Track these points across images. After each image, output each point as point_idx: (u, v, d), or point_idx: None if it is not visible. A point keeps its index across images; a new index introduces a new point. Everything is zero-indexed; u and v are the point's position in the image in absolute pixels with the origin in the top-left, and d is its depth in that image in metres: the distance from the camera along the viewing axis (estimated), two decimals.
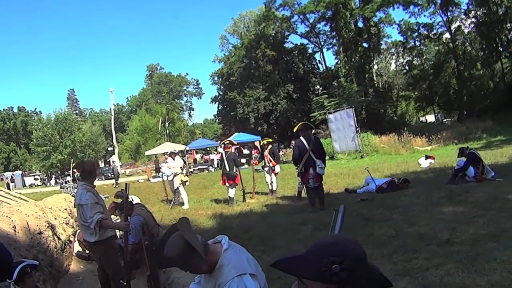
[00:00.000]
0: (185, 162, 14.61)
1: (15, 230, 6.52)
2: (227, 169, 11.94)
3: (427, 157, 16.19)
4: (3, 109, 79.88)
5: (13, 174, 48.21)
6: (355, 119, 24.20)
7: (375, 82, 44.76)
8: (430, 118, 58.44)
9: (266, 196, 13.10)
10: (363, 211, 7.67)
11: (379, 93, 43.83)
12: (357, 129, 24.10)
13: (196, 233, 2.67)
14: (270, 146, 13.43)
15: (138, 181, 30.55)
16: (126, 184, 5.56)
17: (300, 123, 9.90)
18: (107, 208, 5.88)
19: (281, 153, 23.08)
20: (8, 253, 2.13)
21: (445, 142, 25.77)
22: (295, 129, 9.74)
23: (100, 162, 61.66)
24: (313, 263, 1.55)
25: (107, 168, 45.51)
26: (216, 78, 58.58)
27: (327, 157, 9.59)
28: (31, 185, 48.62)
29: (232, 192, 12.08)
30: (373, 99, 39.93)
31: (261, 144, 14.15)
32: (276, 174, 13.27)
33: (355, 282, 1.54)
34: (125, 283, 5.32)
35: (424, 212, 6.56)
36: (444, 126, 37.03)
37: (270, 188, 13.38)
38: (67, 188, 25.69)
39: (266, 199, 12.55)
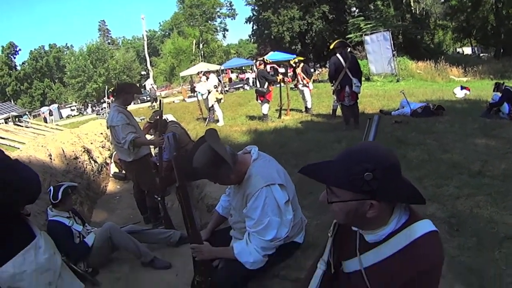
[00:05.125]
0: (220, 81, 14.42)
1: (51, 158, 6.73)
2: (258, 86, 11.96)
3: (462, 88, 15.86)
4: (34, 48, 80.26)
5: (50, 108, 49.11)
6: (392, 42, 23.42)
7: (412, 8, 42.80)
8: (467, 50, 56.09)
9: (300, 114, 13.05)
10: (397, 133, 7.50)
11: (416, 19, 41.85)
12: (394, 52, 23.37)
13: (225, 144, 2.64)
14: (302, 64, 13.30)
15: (173, 102, 30.69)
16: (160, 100, 5.56)
17: (337, 40, 9.58)
18: (142, 128, 5.92)
19: (316, 72, 22.69)
20: (36, 173, 2.16)
21: (481, 76, 24.83)
22: (331, 46, 9.39)
23: None
24: (343, 170, 1.47)
25: (142, 92, 45.68)
26: None
27: (362, 79, 9.37)
28: (68, 116, 49.63)
29: (265, 109, 12.10)
30: (410, 24, 38.34)
31: (293, 62, 13.91)
32: (310, 91, 13.19)
33: (387, 193, 1.46)
34: (160, 199, 5.49)
35: (458, 141, 6.40)
36: (481, 60, 35.41)
37: (305, 105, 13.34)
38: (103, 114, 26.23)
39: (301, 116, 12.49)
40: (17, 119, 32.45)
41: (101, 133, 10.21)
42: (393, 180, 1.47)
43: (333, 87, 9.36)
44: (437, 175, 4.61)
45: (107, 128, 5.54)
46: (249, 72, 42.67)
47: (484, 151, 5.69)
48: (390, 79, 23.49)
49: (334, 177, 1.52)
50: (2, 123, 28.11)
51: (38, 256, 2.06)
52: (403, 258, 1.52)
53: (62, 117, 48.30)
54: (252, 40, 62.34)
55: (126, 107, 5.43)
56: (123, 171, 8.82)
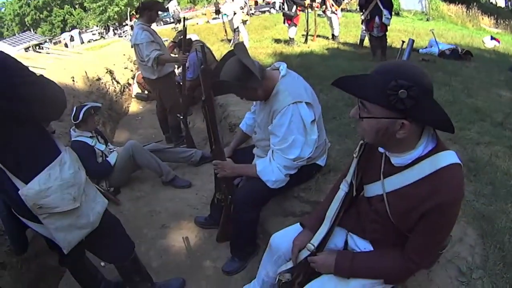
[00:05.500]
0: (245, 3, 14.04)
1: (73, 80, 6.74)
2: (286, 9, 11.65)
3: (492, 38, 15.10)
4: None
5: (71, 34, 48.67)
6: None
7: None
8: (501, 2, 53.79)
9: (327, 41, 12.75)
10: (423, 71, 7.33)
11: None
12: None
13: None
14: None
15: (197, 23, 30.22)
16: (183, 17, 5.44)
17: None
18: (166, 47, 5.86)
19: (345, 0, 21.97)
20: (62, 89, 2.14)
21: None
22: None
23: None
24: (379, 84, 1.42)
25: (165, 14, 44.87)
26: None
27: (392, 13, 9.13)
28: (89, 41, 49.27)
29: (292, 32, 11.83)
30: None
31: None
32: (338, 18, 12.81)
33: (419, 115, 1.42)
34: (182, 117, 5.53)
35: (482, 89, 6.20)
36: None
37: (332, 32, 13.03)
38: (125, 36, 26.02)
39: (327, 43, 12.21)
40: (37, 47, 32.28)
41: (124, 54, 10.18)
42: (426, 101, 1.43)
43: (362, 17, 9.16)
44: (460, 117, 4.52)
45: (131, 47, 5.48)
46: None
47: (508, 104, 5.57)
48: (420, 17, 22.81)
49: (368, 91, 1.47)
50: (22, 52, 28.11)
51: (63, 171, 2.07)
52: (426, 186, 1.53)
53: (83, 42, 47.90)
54: None
55: (150, 25, 5.34)
56: (146, 92, 8.89)
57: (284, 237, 2.23)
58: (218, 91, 2.61)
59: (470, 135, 3.79)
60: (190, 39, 7.25)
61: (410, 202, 1.59)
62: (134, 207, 4.41)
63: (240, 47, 2.54)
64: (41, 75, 2.02)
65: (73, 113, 4.27)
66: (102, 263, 3.23)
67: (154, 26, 5.51)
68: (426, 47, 10.84)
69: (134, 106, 8.85)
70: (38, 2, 69.65)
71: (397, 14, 22.69)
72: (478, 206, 2.51)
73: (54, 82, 2.08)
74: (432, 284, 2.03)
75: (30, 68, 1.95)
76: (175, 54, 6.60)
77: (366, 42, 10.19)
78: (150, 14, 5.25)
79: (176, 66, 5.79)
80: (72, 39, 43.78)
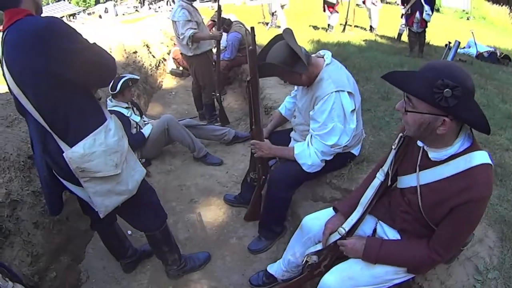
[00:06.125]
0: None
1: (110, 51, 6.82)
2: None
3: None
4: None
5: (105, 6, 48.72)
6: None
7: None
8: None
9: (365, 32, 12.70)
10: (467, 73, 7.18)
11: None
12: None
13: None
14: None
15: (234, 4, 30.09)
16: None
17: None
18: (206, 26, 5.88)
19: None
20: (113, 58, 2.20)
21: None
22: None
23: None
24: (426, 81, 1.51)
25: None
26: None
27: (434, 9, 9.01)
28: (123, 14, 49.36)
29: (333, 20, 11.86)
30: None
31: None
32: (377, 10, 12.73)
33: (461, 113, 1.51)
34: (217, 94, 5.61)
35: None
36: None
37: (370, 24, 12.96)
38: (160, 11, 26.07)
39: (365, 34, 12.12)
40: (71, 17, 32.44)
41: (160, 29, 10.23)
42: (468, 102, 1.51)
43: (403, 10, 9.12)
44: (492, 122, 4.43)
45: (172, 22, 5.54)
46: None
47: None
48: (461, 16, 22.25)
49: (415, 87, 1.57)
50: None
51: (107, 138, 2.13)
52: (458, 182, 1.62)
53: (117, 15, 48.00)
54: None
55: (191, 3, 5.37)
56: (181, 68, 8.94)
57: (316, 220, 2.31)
58: (263, 73, 2.66)
59: (500, 141, 3.76)
60: (229, 19, 7.31)
61: (441, 195, 1.68)
62: (164, 179, 4.51)
63: (288, 32, 2.60)
64: (94, 43, 2.08)
65: (111, 84, 4.32)
66: (129, 232, 3.35)
67: (196, 3, 5.51)
68: (464, 47, 10.67)
69: (168, 82, 8.90)
70: None
71: (437, 10, 22.13)
72: (501, 210, 2.53)
73: (105, 50, 2.14)
74: (450, 279, 2.09)
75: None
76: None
77: (404, 36, 10.14)
78: None
79: (213, 45, 5.80)
80: (106, 11, 43.78)
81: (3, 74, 2.07)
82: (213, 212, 3.89)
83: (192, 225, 3.73)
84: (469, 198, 1.59)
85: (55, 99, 2.00)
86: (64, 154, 2.04)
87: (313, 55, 2.75)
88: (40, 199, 2.92)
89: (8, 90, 2.08)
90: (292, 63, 2.52)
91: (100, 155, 2.09)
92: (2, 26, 2.04)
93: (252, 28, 2.60)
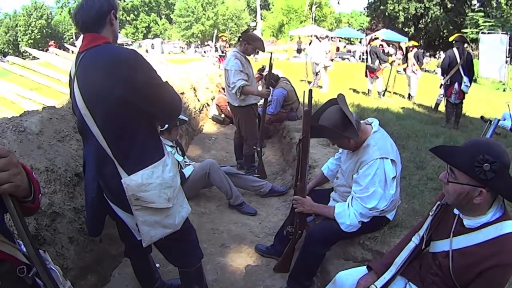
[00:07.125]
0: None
1: None
2: (370, 62, 11.91)
3: None
4: None
5: (153, 42, 50.30)
6: (508, 48, 21.43)
7: None
8: None
9: (403, 99, 12.87)
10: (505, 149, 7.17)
11: None
12: (508, 59, 21.45)
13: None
14: (415, 49, 12.87)
15: (277, 58, 30.67)
16: (271, 53, 5.66)
17: (458, 34, 9.31)
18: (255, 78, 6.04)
19: (425, 60, 21.67)
20: (180, 98, 2.36)
21: None
22: (451, 39, 9.19)
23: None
24: (469, 155, 1.69)
25: (264, 50, 45.21)
26: None
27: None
28: (169, 53, 50.79)
29: (378, 85, 12.15)
30: None
31: (406, 45, 13.53)
32: (417, 79, 12.87)
33: (496, 186, 1.69)
34: (258, 149, 5.75)
35: None
36: None
37: (409, 92, 13.09)
38: (207, 56, 26.84)
39: (403, 102, 12.29)
40: None
41: (206, 74, 10.50)
42: (504, 176, 1.69)
43: (442, 81, 9.17)
44: None
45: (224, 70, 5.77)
46: (357, 44, 41.29)
47: None
48: (497, 87, 21.96)
49: (458, 161, 1.75)
50: None
51: (164, 172, 2.26)
52: (489, 248, 1.77)
53: (163, 52, 49.29)
54: (366, 13, 60.12)
55: (245, 56, 5.56)
56: (222, 115, 9.18)
57: (349, 276, 2.42)
58: (315, 133, 2.84)
59: None
60: (277, 75, 7.56)
61: (471, 260, 1.82)
62: (197, 221, 4.56)
63: (341, 97, 2.81)
64: (166, 81, 2.26)
65: None
66: (157, 265, 3.41)
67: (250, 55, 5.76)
68: (499, 120, 10.58)
69: (209, 127, 9.10)
70: (127, 4, 72.56)
71: (475, 81, 22.02)
72: None
73: (174, 89, 2.32)
74: None
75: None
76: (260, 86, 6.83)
77: (441, 106, 10.13)
78: (247, 47, 5.49)
79: (259, 99, 5.99)
80: (153, 47, 45.03)
81: (71, 92, 2.23)
82: (243, 259, 3.94)
83: (221, 268, 3.78)
84: (498, 263, 1.72)
85: (123, 126, 2.14)
86: (122, 180, 2.15)
87: (361, 121, 2.92)
88: (79, 216, 3.03)
89: (71, 107, 2.21)
90: (343, 128, 2.70)
91: (155, 187, 2.21)
92: (79, 47, 2.22)
93: (310, 91, 2.79)
